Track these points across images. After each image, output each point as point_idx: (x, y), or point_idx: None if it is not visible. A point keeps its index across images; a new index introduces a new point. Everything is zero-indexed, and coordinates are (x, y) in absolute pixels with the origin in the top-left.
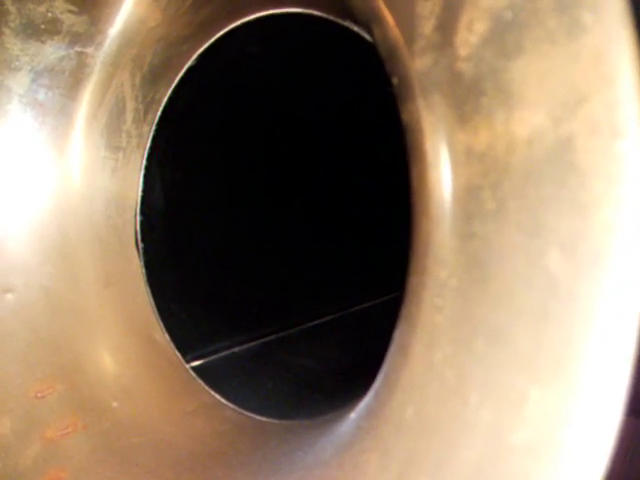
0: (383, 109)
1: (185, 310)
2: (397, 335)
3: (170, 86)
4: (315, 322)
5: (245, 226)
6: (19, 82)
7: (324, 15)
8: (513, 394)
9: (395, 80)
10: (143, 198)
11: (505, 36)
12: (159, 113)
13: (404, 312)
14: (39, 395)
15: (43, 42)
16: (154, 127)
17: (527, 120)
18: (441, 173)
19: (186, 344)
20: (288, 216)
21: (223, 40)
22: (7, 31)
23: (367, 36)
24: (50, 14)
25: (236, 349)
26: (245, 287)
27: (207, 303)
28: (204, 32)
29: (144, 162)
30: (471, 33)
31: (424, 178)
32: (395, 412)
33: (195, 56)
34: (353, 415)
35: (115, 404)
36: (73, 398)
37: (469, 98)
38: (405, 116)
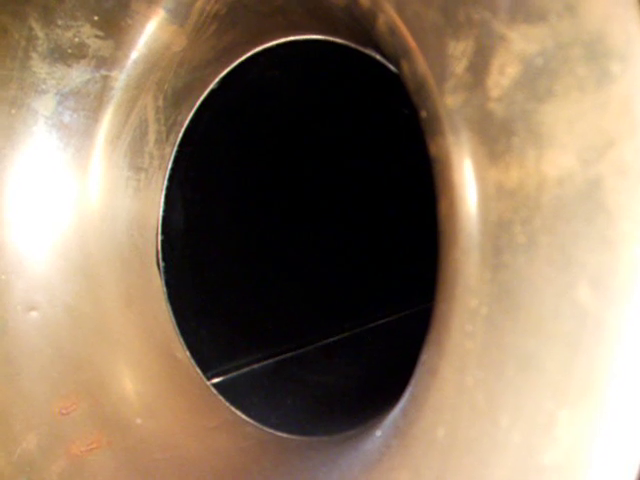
0: (404, 136)
1: (205, 328)
2: (425, 358)
3: (192, 108)
4: (330, 339)
5: (263, 245)
6: (45, 104)
7: (345, 43)
8: (543, 417)
9: (424, 113)
10: (164, 218)
11: (536, 81)
12: (181, 135)
13: (432, 336)
14: (64, 411)
15: (69, 66)
16: (176, 148)
17: (557, 161)
18: (472, 206)
19: (206, 361)
20: (305, 236)
21: (245, 64)
22: (35, 55)
23: (391, 66)
24: (77, 39)
25: (255, 366)
26: (262, 305)
27: (226, 321)
28: (226, 57)
29: (165, 182)
30: (503, 76)
31: (453, 210)
32: (426, 432)
33: (217, 79)
34: (379, 433)
35: (139, 421)
36: (97, 415)
37: (500, 137)
38: (433, 149)
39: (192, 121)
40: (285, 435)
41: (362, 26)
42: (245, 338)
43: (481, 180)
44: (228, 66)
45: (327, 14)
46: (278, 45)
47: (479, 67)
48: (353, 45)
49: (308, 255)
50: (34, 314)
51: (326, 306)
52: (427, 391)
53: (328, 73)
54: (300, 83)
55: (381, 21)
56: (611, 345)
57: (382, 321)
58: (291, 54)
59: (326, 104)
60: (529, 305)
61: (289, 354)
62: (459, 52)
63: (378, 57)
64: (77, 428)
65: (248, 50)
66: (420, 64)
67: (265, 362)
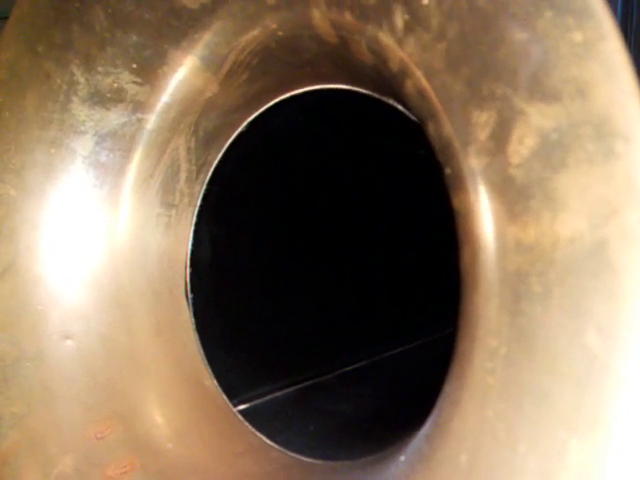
0: (422, 183)
1: (231, 357)
2: (448, 390)
3: (221, 149)
4: (347, 368)
5: (284, 278)
6: (84, 145)
7: (370, 93)
8: (557, 445)
9: (448, 170)
10: (192, 252)
11: (551, 152)
12: (210, 174)
13: (455, 370)
14: (99, 436)
15: (108, 109)
16: (205, 187)
17: (569, 223)
18: (493, 257)
19: (232, 389)
20: (324, 270)
21: (272, 110)
22: (75, 99)
23: (413, 117)
24: (116, 84)
25: (277, 394)
26: (284, 335)
27: (250, 350)
28: (255, 102)
29: (194, 219)
30: (522, 146)
31: (476, 259)
32: (450, 457)
33: (245, 123)
34: (402, 457)
35: (170, 445)
36: (130, 439)
37: (519, 199)
38: (457, 203)
39: (221, 161)
40: (309, 460)
41: (389, 83)
42: (268, 366)
43: (501, 235)
44: (256, 111)
45: (354, 69)
46: (304, 93)
47: (501, 136)
48: (377, 96)
49: (327, 288)
50: (69, 343)
51: (343, 336)
52: (450, 420)
53: (351, 120)
54: (324, 129)
55: (409, 84)
56: (616, 384)
57: (396, 350)
58: (316, 101)
59: (348, 150)
60: (544, 347)
61: (309, 382)
62: (483, 121)
63: (400, 108)
64: (111, 452)
65: (276, 96)
66: (446, 127)
67: (287, 390)
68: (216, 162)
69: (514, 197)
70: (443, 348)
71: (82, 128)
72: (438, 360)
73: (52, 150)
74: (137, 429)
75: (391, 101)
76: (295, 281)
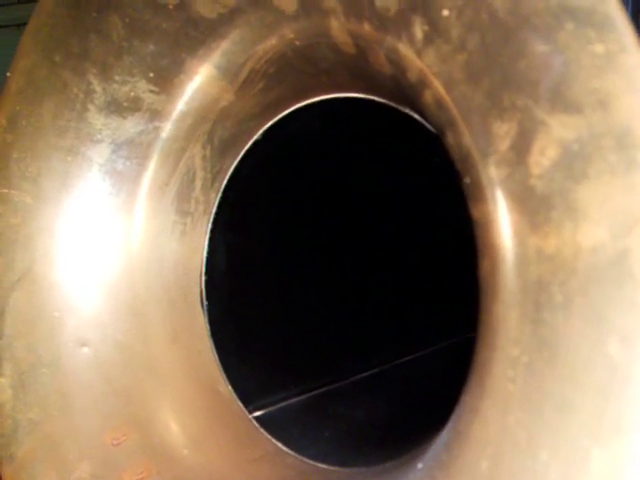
0: (437, 191)
1: (245, 364)
2: (467, 398)
3: (236, 157)
4: (360, 375)
5: (299, 284)
6: (100, 153)
7: (385, 102)
8: (579, 452)
9: (467, 180)
10: (207, 259)
11: (573, 163)
12: (225, 182)
13: (474, 379)
14: (115, 442)
15: (124, 118)
16: (220, 194)
17: (591, 233)
18: (513, 267)
19: (247, 395)
20: (338, 278)
21: (287, 118)
22: (92, 107)
23: (430, 127)
24: (133, 93)
25: (292, 400)
26: (298, 342)
27: (265, 357)
28: (271, 111)
29: (209, 226)
30: (543, 157)
31: (495, 268)
32: (469, 465)
33: (261, 131)
34: (420, 465)
35: (185, 452)
36: (146, 445)
37: (540, 209)
38: (476, 213)
39: (236, 169)
40: (325, 466)
41: (407, 93)
42: (283, 373)
43: (522, 245)
44: (272, 119)
45: (372, 78)
46: (320, 101)
47: (522, 147)
48: (394, 105)
49: (341, 295)
50: (85, 350)
51: (357, 343)
52: (470, 428)
53: (366, 128)
54: (339, 137)
55: (428, 94)
56: (638, 393)
57: (409, 357)
58: (332, 110)
59: (363, 157)
60: (565, 356)
61: (323, 389)
62: (503, 132)
63: (417, 117)
64: (128, 458)
65: (291, 105)
66: (465, 137)
67: (301, 397)
68: (231, 170)
69: (535, 207)
70: (457, 355)
71: (98, 136)
72: (452, 367)
73: (68, 158)
74: (153, 436)
75: (408, 110)
76: (310, 288)
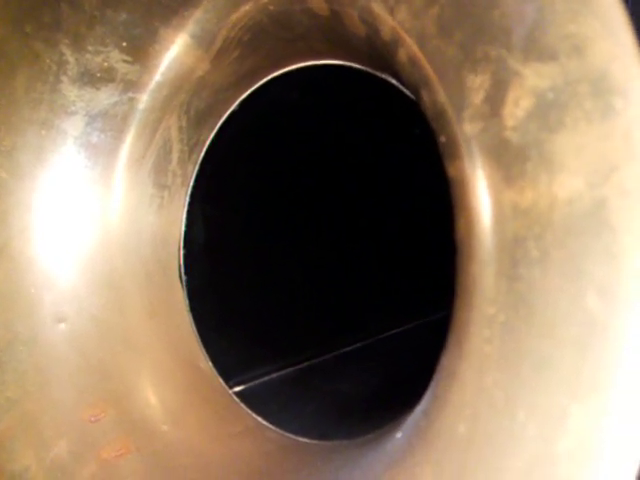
0: (416, 157)
1: (225, 338)
2: (445, 362)
3: (213, 129)
4: (345, 349)
5: (279, 258)
6: (74, 125)
7: (363, 68)
8: (557, 411)
9: (443, 139)
10: (186, 233)
11: (548, 113)
12: (202, 154)
13: (452, 341)
14: (93, 419)
15: (98, 89)
16: (197, 167)
17: (567, 184)
18: (489, 224)
19: (228, 370)
20: (320, 249)
21: (264, 87)
22: (65, 79)
23: (407, 91)
24: (106, 63)
25: (274, 375)
26: (280, 316)
27: (246, 332)
28: (247, 80)
29: (187, 199)
30: (517, 108)
31: (471, 227)
32: (447, 429)
33: (238, 102)
34: (399, 434)
35: (165, 427)
36: (125, 421)
37: (515, 162)
38: (452, 171)
39: (213, 141)
40: (306, 440)
41: (382, 55)
42: (264, 348)
43: (497, 201)
44: (249, 89)
45: (347, 42)
46: (297, 69)
47: (495, 99)
48: (371, 70)
49: (323, 267)
50: (62, 326)
51: (340, 316)
52: (448, 391)
53: (344, 96)
54: (317, 106)
55: (402, 53)
56: (616, 347)
57: (393, 331)
58: (310, 78)
59: (342, 126)
60: (543, 312)
61: (306, 363)
62: (477, 85)
63: (394, 82)
64: (106, 434)
65: (268, 74)
66: (439, 94)
67: (283, 371)
68: (208, 142)
69: (510, 161)
70: (441, 328)
71: (72, 108)
72: (436, 340)
73: (43, 131)
74: (131, 411)
75: (384, 75)
76: (291, 261)
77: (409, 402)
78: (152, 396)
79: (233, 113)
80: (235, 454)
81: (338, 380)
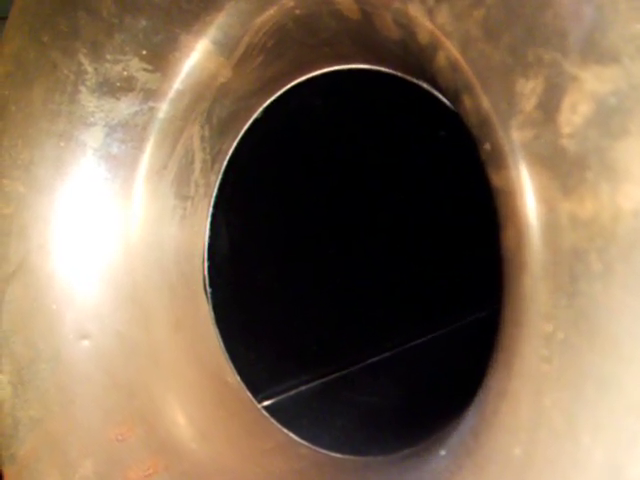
0: (448, 163)
1: (253, 351)
2: (494, 380)
3: (236, 137)
4: (372, 359)
5: (305, 268)
6: (94, 136)
7: (391, 72)
8: (625, 434)
9: (487, 146)
10: (209, 244)
11: (610, 119)
12: (225, 163)
13: (501, 360)
14: (119, 438)
15: (118, 99)
16: (220, 176)
17: (632, 194)
18: (544, 236)
19: (255, 384)
20: (346, 258)
21: (288, 94)
22: (84, 89)
23: (440, 96)
24: (126, 72)
25: (302, 388)
26: (307, 327)
27: (272, 344)
28: (271, 86)
29: (210, 210)
30: (575, 114)
31: (522, 238)
32: (501, 452)
33: (261, 109)
34: (443, 452)
35: (194, 445)
36: (152, 440)
37: (573, 171)
38: (497, 180)
39: (236, 149)
40: (340, 455)
41: (417, 59)
42: (291, 360)
43: (553, 211)
44: (272, 95)
45: (378, 46)
46: (322, 74)
47: (550, 105)
48: (399, 74)
49: (349, 276)
50: (86, 343)
51: (367, 326)
52: (500, 412)
53: (372, 102)
54: (343, 112)
55: (441, 57)
56: None
57: (421, 339)
58: (335, 83)
59: (369, 133)
60: (606, 329)
61: (334, 375)
62: (528, 90)
63: (426, 87)
64: (133, 454)
65: (292, 80)
66: (484, 100)
67: (312, 384)
68: (231, 150)
69: (567, 170)
70: (470, 336)
71: (92, 119)
72: (466, 348)
73: (61, 143)
74: (159, 430)
75: (415, 80)
76: (317, 270)
77: (442, 416)
78: (179, 413)
79: (256, 121)
80: (267, 472)
81: (366, 392)
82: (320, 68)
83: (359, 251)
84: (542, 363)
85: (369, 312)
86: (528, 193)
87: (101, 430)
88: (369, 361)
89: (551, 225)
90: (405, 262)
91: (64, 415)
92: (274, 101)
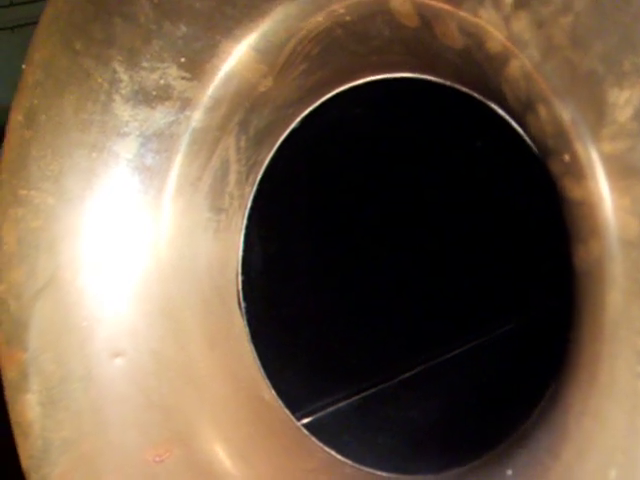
0: (493, 176)
1: (289, 368)
2: (573, 399)
3: (272, 148)
4: (410, 373)
5: (341, 281)
6: (127, 147)
7: (440, 81)
8: None
9: (566, 157)
10: (244, 258)
11: None
12: (260, 175)
13: (580, 376)
14: (157, 459)
15: (153, 108)
16: (255, 188)
17: None
18: (636, 250)
19: (293, 401)
20: (382, 270)
21: (328, 103)
22: (118, 98)
23: (494, 106)
24: (162, 81)
25: (340, 404)
26: (342, 341)
27: (308, 359)
28: (311, 96)
29: (245, 222)
30: None
31: (608, 253)
32: (593, 474)
33: (299, 119)
34: (510, 472)
35: (233, 465)
36: (191, 461)
37: None
38: (579, 192)
39: (272, 161)
40: (386, 474)
41: (479, 68)
42: (328, 376)
43: None
44: (311, 105)
45: (433, 55)
46: (365, 83)
47: None
48: (449, 83)
49: (385, 290)
50: (119, 360)
51: (402, 340)
52: (586, 432)
53: (416, 112)
54: (385, 122)
55: (514, 66)
56: None
57: (457, 351)
58: (378, 92)
59: (411, 143)
60: None
61: (372, 390)
62: (623, 101)
63: (477, 96)
64: (172, 476)
65: (333, 89)
66: (565, 110)
67: (349, 400)
68: (267, 161)
69: None
70: (505, 346)
71: (125, 129)
72: (502, 358)
73: (93, 154)
74: (197, 450)
75: (467, 90)
76: (351, 286)
77: (490, 432)
78: (217, 433)
79: (294, 131)
80: None
81: (405, 407)
82: (363, 77)
83: (395, 264)
84: (638, 380)
85: (403, 326)
86: (620, 205)
87: (137, 452)
88: (405, 375)
89: None
90: (438, 274)
91: (98, 436)
92: (313, 111)
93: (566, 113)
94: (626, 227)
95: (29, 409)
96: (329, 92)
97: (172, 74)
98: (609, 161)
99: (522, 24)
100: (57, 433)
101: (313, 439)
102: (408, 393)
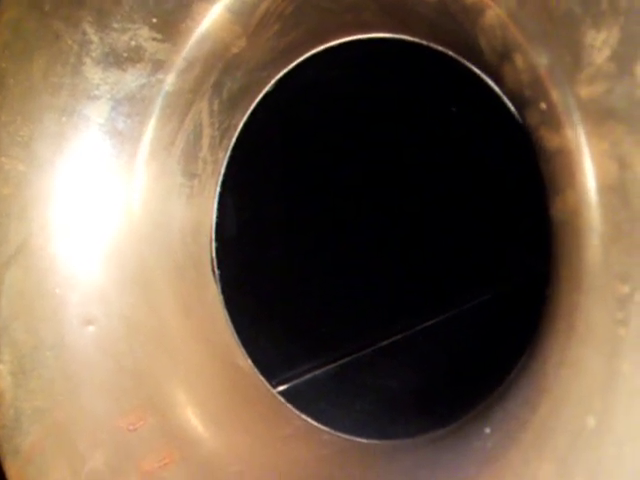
0: (467, 135)
1: (264, 335)
2: (551, 351)
3: (246, 112)
4: (386, 342)
5: (316, 247)
6: (98, 111)
7: (416, 40)
8: None
9: (543, 105)
10: (217, 224)
11: None
12: (234, 139)
13: (559, 326)
14: (131, 427)
15: (124, 70)
16: (229, 153)
17: None
18: (616, 197)
19: (269, 369)
20: (357, 238)
21: (303, 65)
22: (88, 60)
23: (465, 62)
24: (134, 42)
25: (316, 372)
26: (318, 308)
27: (284, 327)
28: (285, 58)
29: (218, 188)
30: None
31: (586, 202)
32: (570, 423)
33: (273, 81)
34: (488, 430)
35: (208, 433)
36: (165, 429)
37: None
38: (557, 141)
39: (245, 124)
40: (365, 440)
41: (453, 21)
42: (304, 344)
43: (628, 168)
44: (286, 67)
45: (407, 12)
46: (340, 45)
47: (625, 56)
48: (424, 43)
49: (360, 257)
50: (91, 328)
51: (379, 308)
52: (565, 381)
53: (391, 73)
54: (360, 85)
55: (489, 15)
56: None
57: (435, 320)
58: (353, 54)
59: (388, 106)
60: None
61: (348, 358)
62: (600, 42)
63: (451, 53)
64: (146, 444)
65: (308, 50)
66: (542, 56)
67: (326, 367)
68: (240, 126)
69: None
70: (484, 314)
71: (96, 92)
72: (482, 326)
73: (63, 118)
74: (171, 417)
75: (442, 48)
76: (328, 251)
77: (468, 395)
78: (192, 400)
79: (267, 95)
80: (289, 460)
81: (382, 374)
82: (339, 38)
83: (371, 231)
84: (618, 327)
85: (380, 293)
86: (598, 150)
87: (111, 419)
88: (382, 344)
89: (626, 182)
90: (415, 242)
91: (70, 404)
92: (287, 73)
93: (542, 59)
94: (605, 172)
95: (0, 379)
96: (303, 54)
97: (143, 35)
98: (586, 106)
99: None
100: (29, 402)
101: (289, 406)
102: (385, 361)
